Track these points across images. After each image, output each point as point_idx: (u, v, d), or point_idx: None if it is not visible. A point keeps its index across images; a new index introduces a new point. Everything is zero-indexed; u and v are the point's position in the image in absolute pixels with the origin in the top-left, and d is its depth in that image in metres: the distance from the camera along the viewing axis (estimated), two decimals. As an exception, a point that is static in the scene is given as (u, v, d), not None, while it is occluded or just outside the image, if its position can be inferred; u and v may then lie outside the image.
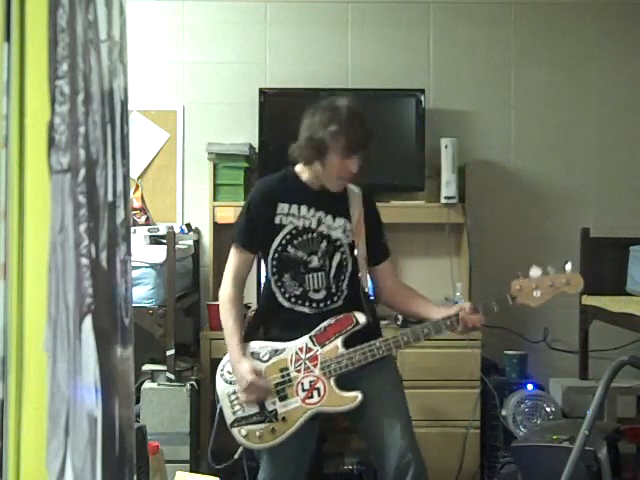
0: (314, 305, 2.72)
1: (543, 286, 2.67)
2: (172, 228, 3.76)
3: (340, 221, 2.75)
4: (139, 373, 3.74)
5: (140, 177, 4.37)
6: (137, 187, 4.13)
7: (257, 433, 2.67)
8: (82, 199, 1.17)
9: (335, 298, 2.73)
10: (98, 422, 1.20)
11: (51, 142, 1.13)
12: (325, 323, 2.69)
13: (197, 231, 4.40)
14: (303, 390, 2.66)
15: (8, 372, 1.10)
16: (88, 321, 1.18)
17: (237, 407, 2.70)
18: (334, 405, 2.65)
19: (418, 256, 4.44)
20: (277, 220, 2.72)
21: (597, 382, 2.42)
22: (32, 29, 1.12)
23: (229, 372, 2.73)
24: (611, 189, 4.52)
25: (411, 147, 4.30)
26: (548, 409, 3.86)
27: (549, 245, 4.47)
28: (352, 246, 2.75)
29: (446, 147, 4.19)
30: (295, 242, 2.72)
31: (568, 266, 2.67)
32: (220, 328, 2.80)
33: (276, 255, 2.73)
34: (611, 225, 4.38)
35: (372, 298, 2.95)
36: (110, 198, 1.24)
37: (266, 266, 2.78)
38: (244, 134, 4.37)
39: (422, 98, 4.29)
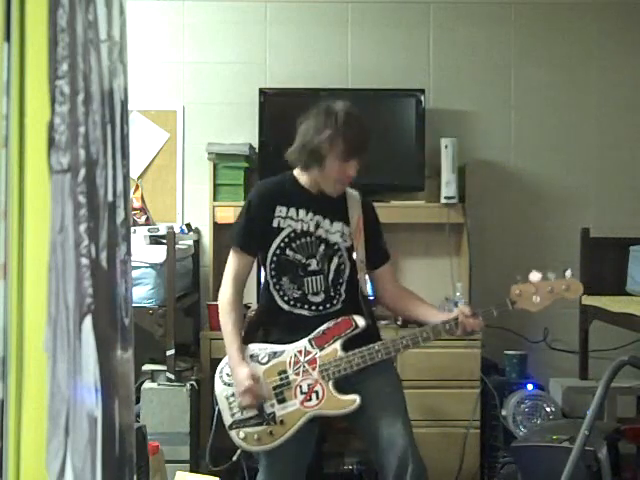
0: (313, 308, 2.73)
1: (543, 291, 2.67)
2: (172, 228, 3.76)
3: (338, 225, 2.75)
4: (139, 373, 3.74)
5: (140, 177, 4.37)
6: (137, 187, 4.13)
7: (255, 436, 2.67)
8: (82, 199, 1.17)
9: (334, 301, 2.74)
10: (98, 422, 1.19)
11: (51, 142, 1.13)
12: (324, 326, 2.69)
13: (197, 231, 4.40)
14: (301, 393, 2.66)
15: (8, 372, 1.10)
16: (88, 321, 1.18)
17: (235, 409, 2.70)
18: (332, 408, 2.65)
19: (418, 256, 4.44)
20: (275, 223, 2.72)
21: (597, 382, 2.42)
22: (32, 29, 1.12)
23: (228, 374, 2.73)
24: (611, 189, 4.52)
25: (411, 147, 4.30)
26: (548, 409, 3.86)
27: (549, 245, 4.48)
28: (350, 250, 2.75)
29: (446, 147, 4.19)
30: (294, 245, 2.72)
31: (568, 272, 2.68)
32: (220, 328, 2.80)
33: (275, 258, 2.73)
34: (611, 225, 4.38)
35: (372, 298, 2.95)
36: (110, 198, 1.24)
37: (264, 269, 2.78)
38: (244, 134, 4.37)
39: (422, 98, 4.29)
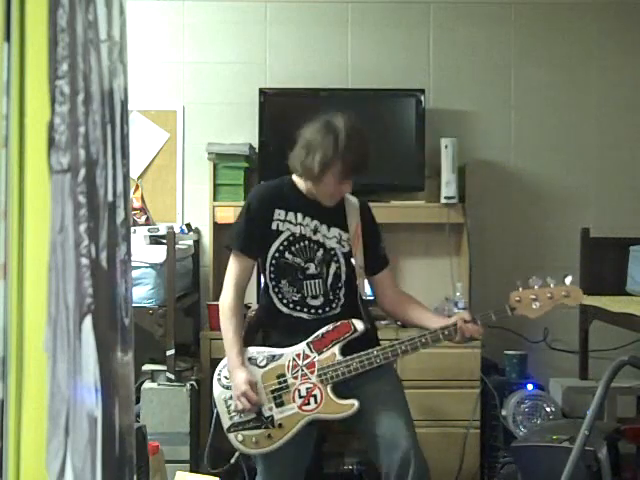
0: (312, 311, 2.73)
1: (542, 297, 2.66)
2: (172, 228, 3.76)
3: (335, 231, 2.75)
4: (139, 373, 3.74)
5: (140, 177, 4.37)
6: (137, 187, 4.13)
7: (253, 439, 2.67)
8: (82, 199, 1.17)
9: (333, 305, 2.74)
10: (98, 422, 1.19)
11: (51, 142, 1.13)
12: (323, 330, 2.69)
13: (197, 231, 4.40)
14: (300, 397, 2.66)
15: (8, 372, 1.10)
16: (88, 321, 1.18)
17: (233, 412, 2.70)
18: (331, 412, 2.65)
19: (418, 256, 4.45)
20: (274, 226, 2.72)
21: (597, 382, 2.42)
22: (32, 29, 1.12)
23: (226, 377, 2.73)
24: (611, 189, 4.52)
25: (411, 147, 4.30)
26: (548, 409, 3.86)
27: (549, 245, 4.48)
28: (348, 256, 2.75)
29: (446, 147, 4.19)
30: (293, 249, 2.72)
31: (568, 279, 2.67)
32: (220, 328, 2.80)
33: (274, 261, 2.73)
34: (611, 225, 4.38)
35: (371, 298, 2.95)
36: (110, 198, 1.24)
37: (263, 272, 2.77)
38: (244, 134, 4.37)
39: (422, 98, 4.29)
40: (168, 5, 4.48)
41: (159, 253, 3.71)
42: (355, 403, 2.62)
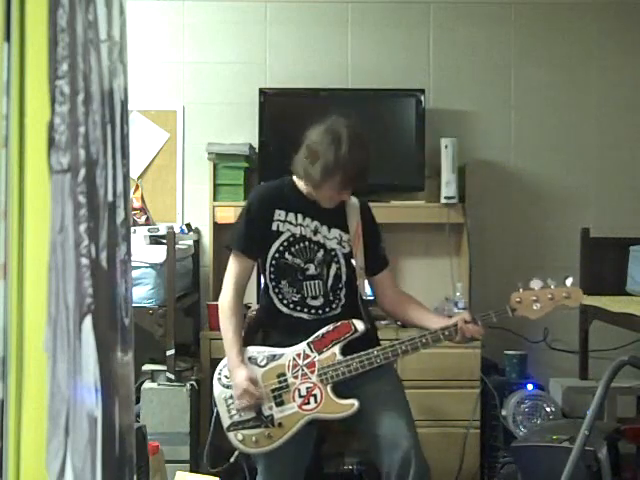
0: (312, 312, 2.73)
1: (543, 299, 2.67)
2: (172, 228, 3.76)
3: (335, 232, 2.75)
4: (139, 373, 3.74)
5: (140, 177, 4.37)
6: (137, 187, 4.13)
7: (253, 438, 2.67)
8: (82, 199, 1.17)
9: (333, 305, 2.74)
10: (98, 422, 1.19)
11: (51, 142, 1.13)
12: (323, 330, 2.69)
13: (197, 231, 4.40)
14: (300, 396, 2.66)
15: (8, 372, 1.10)
16: (88, 321, 1.18)
17: (234, 411, 2.70)
18: (330, 412, 2.65)
19: (418, 256, 4.44)
20: (274, 226, 2.73)
21: (597, 382, 2.42)
22: (32, 29, 1.12)
23: (226, 376, 2.74)
24: (611, 189, 4.52)
25: (411, 147, 4.30)
26: (548, 409, 3.86)
27: (549, 245, 4.48)
28: (349, 256, 2.75)
29: (446, 147, 4.19)
30: (293, 249, 2.73)
31: (569, 280, 2.67)
32: (220, 328, 2.80)
33: (274, 262, 2.73)
34: (611, 225, 4.38)
35: (371, 298, 2.95)
36: (110, 198, 1.24)
37: (263, 272, 2.78)
38: (244, 134, 4.37)
39: (422, 98, 4.29)
40: (168, 5, 4.48)
41: (159, 253, 3.71)
42: (355, 403, 2.62)
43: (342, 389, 2.66)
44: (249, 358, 2.72)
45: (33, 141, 1.12)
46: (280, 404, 2.67)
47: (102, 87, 1.22)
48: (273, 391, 2.68)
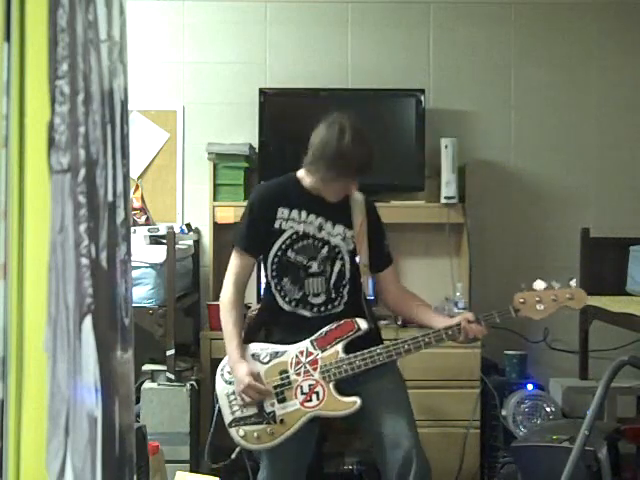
0: (314, 309, 2.73)
1: (546, 300, 2.67)
2: (172, 228, 3.76)
3: (339, 228, 2.76)
4: (139, 373, 3.74)
5: (140, 177, 4.37)
6: (137, 187, 4.13)
7: (255, 434, 2.67)
8: (82, 199, 1.17)
9: (335, 303, 2.74)
10: (98, 422, 1.19)
11: (51, 142, 1.13)
12: (326, 328, 2.70)
13: (197, 231, 4.40)
14: (302, 393, 2.66)
15: (8, 372, 1.10)
16: (88, 321, 1.18)
17: (236, 407, 2.70)
18: (332, 410, 2.65)
19: (418, 256, 4.44)
20: (277, 225, 2.73)
21: (597, 382, 2.42)
22: (32, 29, 1.12)
23: (229, 372, 2.74)
24: (611, 189, 4.52)
25: (411, 147, 4.30)
26: (548, 409, 3.86)
27: (549, 245, 4.48)
28: (353, 253, 2.76)
29: (446, 147, 4.19)
30: (295, 247, 2.73)
31: (572, 282, 2.67)
32: (220, 328, 2.81)
33: (276, 259, 2.74)
34: (611, 225, 4.38)
35: (371, 298, 2.95)
36: (110, 198, 1.24)
37: (265, 270, 2.79)
38: (244, 134, 4.37)
39: (422, 98, 4.29)
40: (168, 5, 4.48)
41: (159, 253, 3.71)
42: (357, 401, 2.63)
43: (344, 387, 2.67)
44: (252, 355, 2.72)
45: (33, 141, 1.12)
46: (282, 401, 2.67)
47: (102, 87, 1.22)
48: (275, 388, 2.68)
